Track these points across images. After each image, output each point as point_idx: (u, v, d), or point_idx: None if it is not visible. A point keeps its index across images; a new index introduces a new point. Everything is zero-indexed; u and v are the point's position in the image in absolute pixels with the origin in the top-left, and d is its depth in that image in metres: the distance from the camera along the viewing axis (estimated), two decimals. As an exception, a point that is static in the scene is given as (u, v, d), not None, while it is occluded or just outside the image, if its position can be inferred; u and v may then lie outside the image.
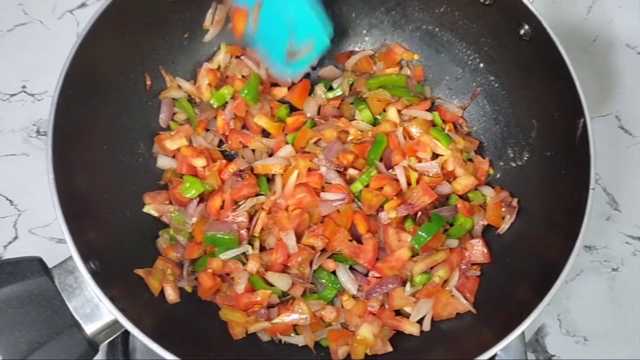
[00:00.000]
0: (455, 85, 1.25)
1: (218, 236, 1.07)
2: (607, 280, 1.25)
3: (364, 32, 1.28)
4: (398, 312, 1.07)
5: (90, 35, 0.99)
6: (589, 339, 1.20)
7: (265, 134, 1.22)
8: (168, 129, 1.20)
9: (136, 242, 1.07)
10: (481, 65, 1.20)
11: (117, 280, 0.94)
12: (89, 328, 0.87)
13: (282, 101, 1.24)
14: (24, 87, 1.37)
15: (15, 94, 1.36)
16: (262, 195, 1.12)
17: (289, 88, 1.25)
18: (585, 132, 0.96)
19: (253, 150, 1.20)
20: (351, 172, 1.12)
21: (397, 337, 1.05)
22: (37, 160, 1.31)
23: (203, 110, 1.21)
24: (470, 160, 1.19)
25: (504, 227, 1.12)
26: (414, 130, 1.17)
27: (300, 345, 1.05)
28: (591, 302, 1.23)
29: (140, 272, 1.01)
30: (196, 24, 1.21)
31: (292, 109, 1.23)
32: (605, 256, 1.26)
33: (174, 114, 1.22)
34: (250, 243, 1.09)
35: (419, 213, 1.09)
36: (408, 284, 1.06)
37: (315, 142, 1.18)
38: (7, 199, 1.28)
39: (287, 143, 1.18)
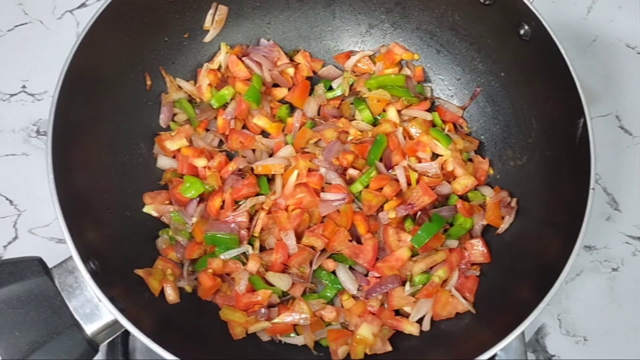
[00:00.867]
0: (455, 85, 1.25)
1: (218, 236, 1.07)
2: (607, 280, 1.24)
3: (364, 32, 1.28)
4: (398, 312, 1.08)
5: (90, 35, 0.99)
6: (589, 339, 1.20)
7: (265, 134, 1.22)
8: (168, 129, 1.20)
9: (136, 242, 1.07)
10: (481, 65, 1.20)
11: (117, 280, 0.94)
12: (89, 328, 0.87)
13: (282, 101, 1.24)
14: (24, 87, 1.37)
15: (15, 94, 1.36)
16: (262, 195, 1.13)
17: (289, 88, 1.25)
18: (585, 132, 0.96)
19: (253, 151, 1.20)
20: (351, 172, 1.12)
21: (397, 337, 1.05)
22: (37, 160, 1.31)
23: (203, 111, 1.21)
24: (470, 160, 1.19)
25: (503, 227, 1.12)
26: (414, 130, 1.17)
27: (300, 345, 1.05)
28: (591, 302, 1.23)
29: (140, 272, 1.01)
30: (196, 24, 1.21)
31: (292, 109, 1.24)
32: (605, 256, 1.26)
33: (174, 114, 1.22)
34: (251, 243, 1.09)
35: (419, 213, 1.09)
36: (407, 284, 1.06)
37: (315, 143, 1.18)
38: (7, 199, 1.28)
39: (287, 143, 1.19)
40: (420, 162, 1.15)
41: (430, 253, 1.08)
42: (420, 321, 1.06)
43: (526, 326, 0.88)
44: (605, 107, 1.38)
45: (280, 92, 1.24)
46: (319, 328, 1.05)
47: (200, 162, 1.14)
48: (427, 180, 1.12)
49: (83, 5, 1.45)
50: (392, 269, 1.07)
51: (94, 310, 0.87)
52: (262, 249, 1.10)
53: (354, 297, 1.07)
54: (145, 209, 1.12)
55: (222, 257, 1.06)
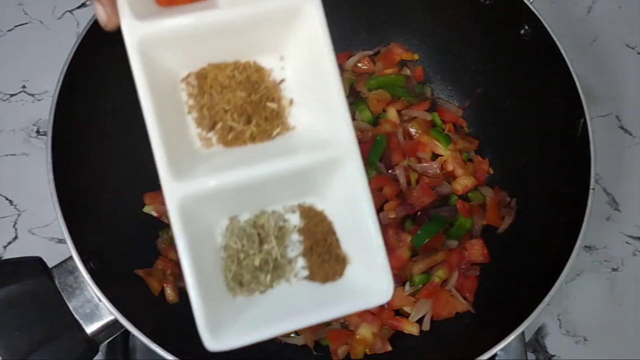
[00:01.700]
0: (455, 85, 1.25)
1: (218, 236, 1.07)
2: (607, 280, 1.24)
3: (364, 32, 1.28)
4: (397, 312, 1.08)
5: (90, 35, 0.99)
6: (589, 339, 1.20)
7: (265, 134, 1.22)
8: (168, 129, 1.20)
9: (136, 242, 1.07)
10: (481, 65, 1.20)
11: (117, 280, 0.93)
12: (89, 328, 0.87)
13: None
14: (24, 87, 1.37)
15: (15, 94, 1.36)
16: (262, 195, 1.12)
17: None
18: (585, 132, 0.96)
19: (253, 151, 1.20)
20: (351, 172, 1.12)
21: (397, 337, 1.05)
22: (37, 160, 1.30)
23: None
24: (470, 160, 1.19)
25: (503, 227, 1.12)
26: (414, 130, 1.17)
27: (300, 345, 1.05)
28: (591, 302, 1.23)
29: (140, 272, 1.01)
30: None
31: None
32: (605, 256, 1.26)
33: (175, 113, 1.22)
34: (250, 243, 1.09)
35: (419, 213, 1.09)
36: (407, 284, 1.06)
37: (315, 143, 1.18)
38: (7, 199, 1.28)
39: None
40: (420, 162, 1.15)
41: (430, 253, 1.08)
42: (420, 321, 1.06)
43: (526, 326, 0.88)
44: (605, 107, 1.38)
45: (281, 92, 1.24)
46: (319, 328, 1.05)
47: (201, 162, 1.14)
48: (427, 180, 1.12)
49: (83, 5, 1.45)
50: (392, 269, 1.06)
51: (94, 310, 0.87)
52: (262, 249, 1.10)
53: (354, 297, 1.07)
54: (145, 209, 1.12)
55: (222, 257, 1.06)
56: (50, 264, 0.90)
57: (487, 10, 1.11)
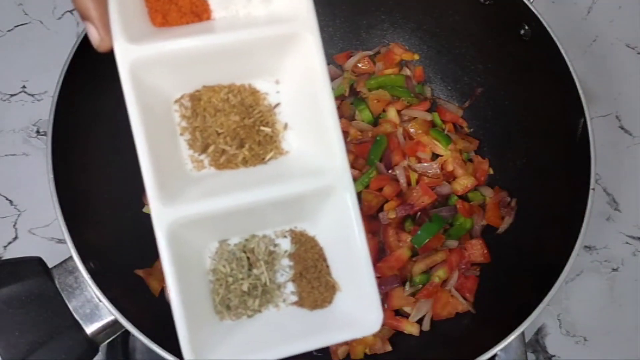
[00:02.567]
0: (455, 85, 1.25)
1: (218, 236, 1.07)
2: (607, 280, 1.24)
3: (364, 32, 1.28)
4: (398, 312, 1.08)
5: (90, 35, 0.99)
6: (589, 339, 1.20)
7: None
8: (168, 129, 1.20)
9: (136, 242, 1.07)
10: (481, 65, 1.20)
11: (117, 280, 0.93)
12: (89, 328, 0.87)
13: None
14: (24, 87, 1.37)
15: (15, 94, 1.36)
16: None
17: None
18: (585, 132, 0.96)
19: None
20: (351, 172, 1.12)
21: (397, 337, 1.05)
22: (37, 160, 1.30)
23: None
24: (470, 160, 1.19)
25: (503, 227, 1.12)
26: (414, 130, 1.17)
27: (300, 345, 1.05)
28: (591, 302, 1.23)
29: (140, 272, 1.01)
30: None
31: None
32: (605, 256, 1.26)
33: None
34: (250, 243, 1.09)
35: (419, 213, 1.09)
36: (407, 284, 1.06)
37: (315, 143, 1.18)
38: (7, 199, 1.28)
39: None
40: (420, 162, 1.15)
41: (430, 253, 1.08)
42: (420, 321, 1.06)
43: (526, 326, 0.88)
44: (605, 107, 1.38)
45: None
46: (319, 328, 1.05)
47: (201, 162, 1.14)
48: (427, 181, 1.12)
49: (83, 5, 1.44)
50: (392, 269, 1.07)
51: (94, 310, 0.87)
52: (262, 249, 1.10)
53: (354, 297, 1.07)
54: (145, 209, 1.11)
55: (222, 257, 1.06)
56: (50, 264, 0.90)
57: (487, 10, 1.11)
